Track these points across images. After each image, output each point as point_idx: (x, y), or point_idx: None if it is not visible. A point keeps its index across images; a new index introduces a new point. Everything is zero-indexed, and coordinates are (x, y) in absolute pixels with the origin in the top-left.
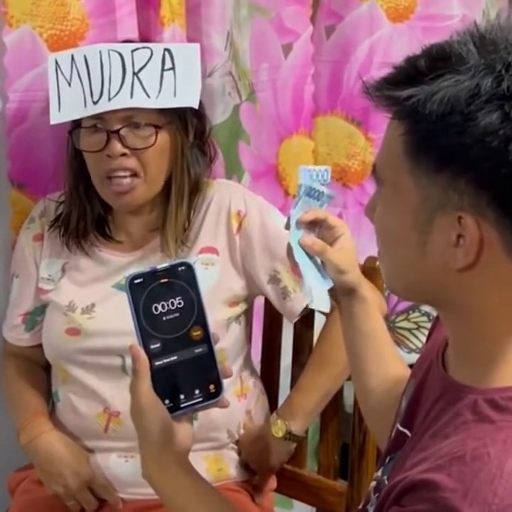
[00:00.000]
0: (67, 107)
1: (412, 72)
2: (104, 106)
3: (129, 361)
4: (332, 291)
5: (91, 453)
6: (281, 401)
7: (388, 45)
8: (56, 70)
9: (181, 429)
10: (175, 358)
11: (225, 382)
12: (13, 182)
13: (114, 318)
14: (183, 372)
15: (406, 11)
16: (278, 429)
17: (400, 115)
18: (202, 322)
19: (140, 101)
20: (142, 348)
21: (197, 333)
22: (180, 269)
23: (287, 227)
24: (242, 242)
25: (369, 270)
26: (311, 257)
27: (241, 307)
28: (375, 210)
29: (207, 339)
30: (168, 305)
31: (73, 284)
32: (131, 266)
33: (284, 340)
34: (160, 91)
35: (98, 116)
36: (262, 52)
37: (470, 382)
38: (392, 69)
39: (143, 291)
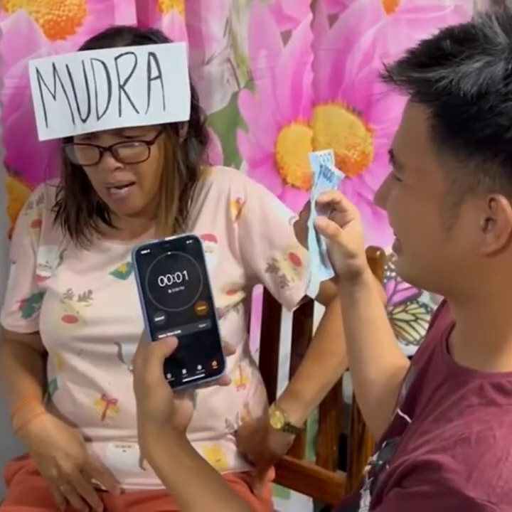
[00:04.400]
0: (55, 122)
1: (437, 54)
2: (93, 126)
3: (125, 349)
4: (336, 278)
5: (88, 442)
6: (279, 391)
7: (391, 35)
8: (38, 80)
9: (182, 406)
10: (178, 331)
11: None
12: (8, 169)
13: (111, 306)
14: (186, 346)
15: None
16: (276, 420)
17: (428, 98)
18: (207, 297)
19: (129, 119)
20: (147, 320)
21: (202, 307)
22: (187, 242)
23: (306, 210)
24: (241, 230)
25: (369, 260)
26: (318, 243)
27: (239, 295)
28: (387, 199)
29: (211, 315)
30: (173, 278)
31: (71, 271)
32: (129, 254)
33: (283, 330)
34: (148, 104)
35: (89, 133)
36: (261, 40)
37: (476, 366)
38: (409, 53)
39: (149, 262)
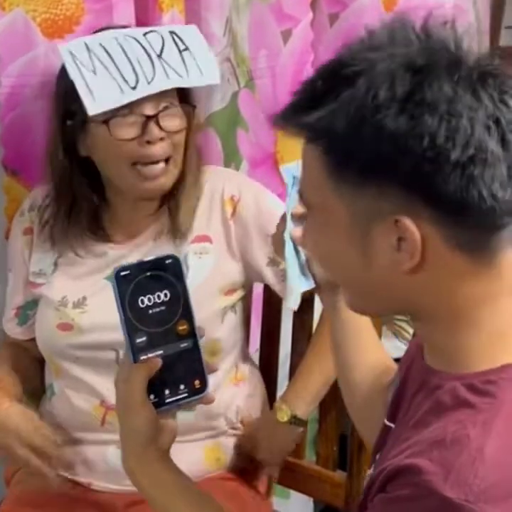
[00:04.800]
0: (102, 96)
1: (313, 95)
2: (145, 90)
3: (122, 354)
4: (316, 288)
5: (87, 445)
6: (279, 391)
7: None
8: (73, 61)
9: (166, 426)
10: (160, 352)
11: (221, 371)
12: (6, 169)
13: (106, 312)
14: (169, 367)
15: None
16: (283, 414)
17: (313, 139)
18: (188, 316)
19: (178, 81)
20: (128, 341)
21: (183, 327)
22: (167, 262)
23: (282, 222)
24: (238, 227)
25: None
26: (297, 254)
27: (237, 294)
28: None
29: (192, 334)
30: (154, 298)
31: (66, 278)
32: (125, 257)
33: (283, 330)
34: (187, 71)
35: (129, 104)
36: (261, 39)
37: (448, 369)
38: (294, 95)
39: (129, 283)
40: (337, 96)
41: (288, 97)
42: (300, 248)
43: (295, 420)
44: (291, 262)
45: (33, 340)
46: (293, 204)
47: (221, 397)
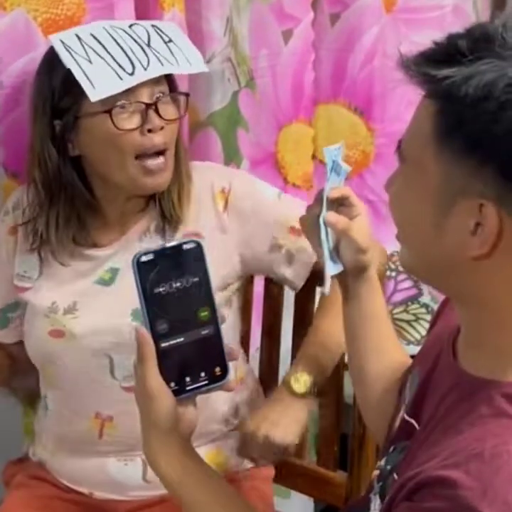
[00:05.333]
0: (101, 83)
1: (451, 51)
2: (143, 75)
3: (117, 361)
4: (341, 273)
5: (87, 457)
6: None
7: (392, 34)
8: (67, 50)
9: (186, 414)
10: (181, 339)
11: None
12: (6, 170)
13: (98, 317)
14: (189, 354)
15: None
16: (301, 384)
17: (434, 94)
18: (209, 303)
19: (171, 68)
20: (149, 329)
21: (204, 313)
22: (189, 247)
23: (315, 204)
24: (232, 218)
25: None
26: (327, 239)
27: (231, 288)
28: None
29: (214, 320)
30: (175, 285)
31: (53, 283)
32: (113, 256)
33: (284, 330)
34: (177, 60)
35: (126, 93)
36: (262, 39)
37: (484, 375)
38: (433, 45)
39: (150, 270)
40: (477, 61)
41: (289, 98)
42: (330, 232)
43: (313, 390)
44: (325, 245)
45: (18, 343)
46: (330, 187)
47: (218, 398)
